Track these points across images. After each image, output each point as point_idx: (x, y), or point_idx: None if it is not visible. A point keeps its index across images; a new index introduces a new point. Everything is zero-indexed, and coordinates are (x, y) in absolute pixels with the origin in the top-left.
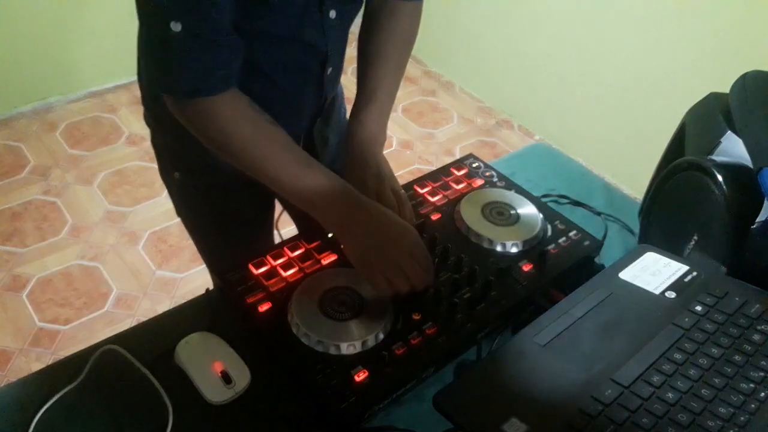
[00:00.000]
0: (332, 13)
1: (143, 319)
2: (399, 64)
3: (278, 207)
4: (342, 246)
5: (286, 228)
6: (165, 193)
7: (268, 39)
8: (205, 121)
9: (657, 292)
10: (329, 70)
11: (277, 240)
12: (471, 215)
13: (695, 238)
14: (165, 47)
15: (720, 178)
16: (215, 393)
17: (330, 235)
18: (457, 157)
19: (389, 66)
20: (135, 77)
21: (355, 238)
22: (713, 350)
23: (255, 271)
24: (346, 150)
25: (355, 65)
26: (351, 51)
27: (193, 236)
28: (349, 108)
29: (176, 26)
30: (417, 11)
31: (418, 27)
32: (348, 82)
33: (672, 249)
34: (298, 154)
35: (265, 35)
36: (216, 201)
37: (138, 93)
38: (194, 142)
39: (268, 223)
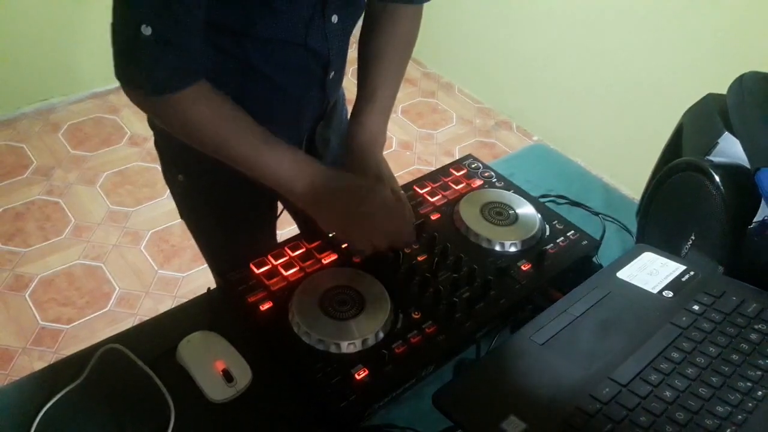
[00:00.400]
0: (334, 18)
1: (145, 318)
2: (399, 67)
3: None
4: (318, 221)
5: (286, 228)
6: (167, 193)
7: (272, 44)
8: (171, 114)
9: (654, 291)
10: (332, 73)
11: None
12: (470, 215)
13: (693, 237)
14: (135, 48)
15: (717, 178)
16: (217, 391)
17: (331, 234)
18: (457, 157)
19: (390, 68)
20: None
21: (326, 209)
22: (711, 349)
23: (256, 271)
24: (345, 151)
25: (355, 67)
26: (351, 53)
27: (196, 237)
28: (349, 109)
29: (146, 30)
30: (417, 15)
31: (418, 30)
32: (349, 84)
33: (669, 249)
34: (261, 135)
35: (268, 40)
36: (219, 202)
37: None
38: None
39: (270, 224)
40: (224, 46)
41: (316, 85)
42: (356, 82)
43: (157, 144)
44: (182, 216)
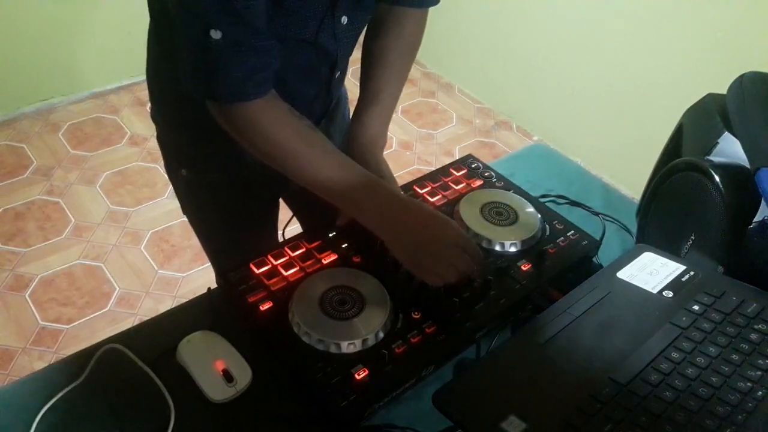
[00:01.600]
0: (344, 19)
1: (145, 318)
2: (402, 69)
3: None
4: (388, 246)
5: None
6: (167, 193)
7: (283, 43)
8: (247, 125)
9: (654, 291)
10: (337, 73)
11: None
12: (470, 215)
13: (692, 237)
14: (205, 54)
15: (717, 178)
16: (217, 391)
17: (331, 234)
18: (457, 157)
19: (393, 70)
20: (137, 78)
21: (401, 238)
22: (711, 349)
23: (256, 271)
24: (346, 151)
25: (356, 67)
26: (354, 53)
27: (198, 234)
28: (351, 108)
29: (216, 34)
30: (422, 18)
31: (422, 34)
32: (349, 84)
33: (669, 249)
34: (338, 157)
35: (280, 39)
36: (221, 198)
37: (140, 94)
38: (201, 139)
39: (272, 222)
40: None
41: (322, 84)
42: (358, 82)
43: (160, 139)
44: (184, 211)
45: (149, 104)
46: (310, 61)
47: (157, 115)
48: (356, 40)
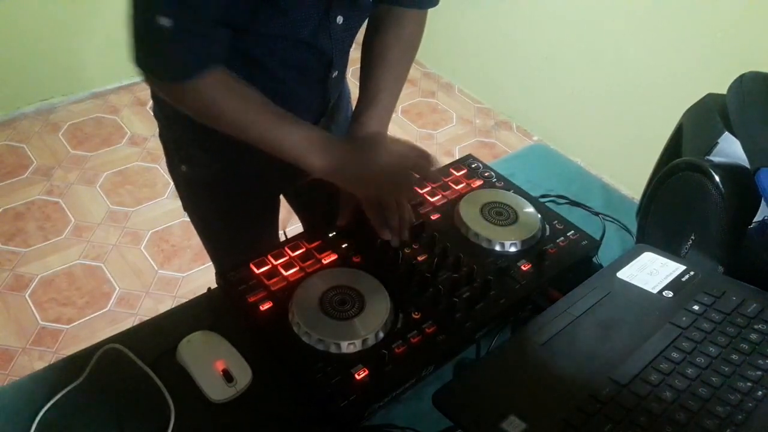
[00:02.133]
0: (339, 19)
1: (145, 318)
2: (402, 69)
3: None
4: (339, 186)
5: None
6: (167, 193)
7: (276, 40)
8: (191, 100)
9: (655, 291)
10: (334, 73)
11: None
12: (470, 215)
13: (692, 237)
14: (154, 37)
15: (717, 178)
16: (217, 391)
17: (330, 234)
18: (457, 157)
19: (392, 71)
20: (137, 78)
21: (342, 171)
22: (711, 349)
23: (256, 271)
24: None
25: (356, 67)
26: (353, 53)
27: (199, 232)
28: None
29: (165, 20)
30: (422, 19)
31: (422, 34)
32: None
33: (669, 249)
34: (277, 113)
35: (273, 36)
36: (222, 195)
37: (140, 94)
38: (200, 135)
39: (272, 221)
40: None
41: (318, 83)
42: (357, 83)
43: (161, 135)
44: (185, 209)
45: (151, 102)
46: (307, 60)
47: (158, 111)
48: (353, 40)
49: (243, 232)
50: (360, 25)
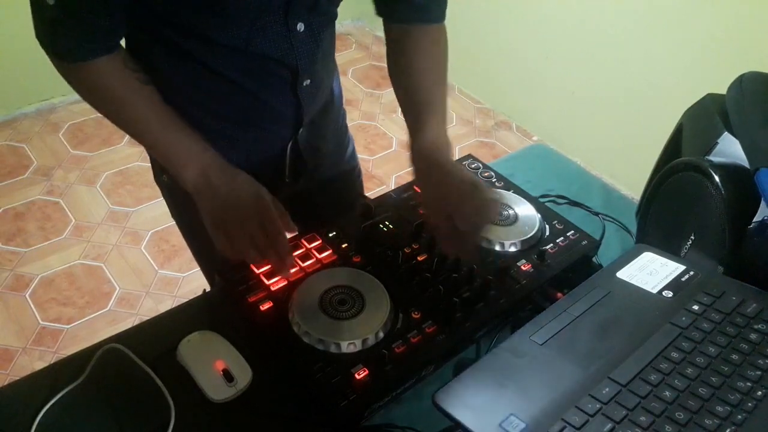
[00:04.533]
0: (300, 27)
1: (145, 318)
2: (440, 80)
3: None
4: (200, 209)
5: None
6: None
7: (236, 53)
8: (76, 81)
9: (654, 291)
10: (306, 82)
11: None
12: None
13: (692, 237)
14: (41, 13)
15: (717, 178)
16: (217, 391)
17: (331, 234)
18: (457, 157)
19: (432, 86)
20: None
21: (212, 200)
22: (710, 349)
23: (256, 271)
24: (413, 169)
25: (356, 66)
26: (351, 54)
27: (186, 238)
28: (351, 113)
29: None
30: (439, 34)
31: (446, 44)
32: (348, 83)
33: (669, 249)
34: (165, 114)
35: (231, 49)
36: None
37: None
38: None
39: None
40: (180, 43)
41: (287, 91)
42: (357, 82)
43: None
44: (173, 216)
45: None
46: (270, 70)
47: None
48: (322, 47)
49: None
50: (327, 33)
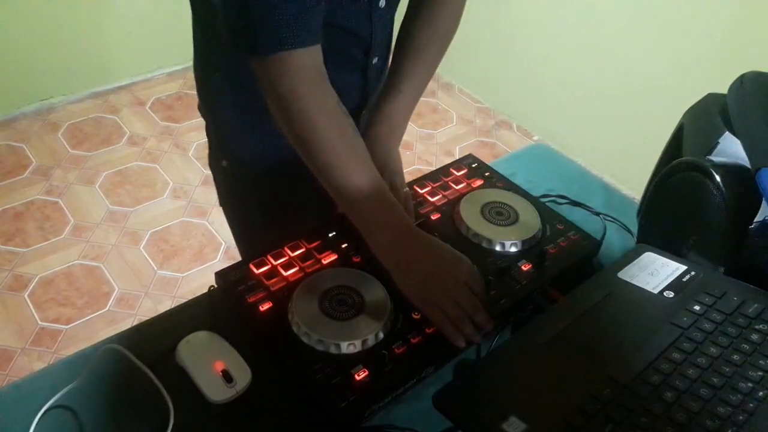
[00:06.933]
0: (382, 2)
1: (144, 318)
2: (432, 63)
3: None
4: (393, 275)
5: None
6: (166, 193)
7: (323, 28)
8: (286, 85)
9: (655, 291)
10: (375, 59)
11: None
12: (470, 215)
13: (693, 238)
14: (242, 2)
15: (718, 178)
16: (216, 392)
17: (330, 234)
18: (457, 157)
19: (424, 61)
20: (137, 78)
21: (410, 268)
22: (712, 349)
23: (256, 271)
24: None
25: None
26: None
27: (232, 226)
28: None
29: None
30: (457, 8)
31: (457, 24)
32: None
33: (670, 249)
34: (371, 171)
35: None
36: (260, 194)
37: (139, 94)
38: (243, 131)
39: (311, 217)
40: None
41: (357, 70)
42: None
43: (207, 129)
44: (221, 202)
45: (151, 101)
46: (342, 43)
47: (202, 107)
48: (391, 25)
49: (277, 227)
50: (396, 6)
